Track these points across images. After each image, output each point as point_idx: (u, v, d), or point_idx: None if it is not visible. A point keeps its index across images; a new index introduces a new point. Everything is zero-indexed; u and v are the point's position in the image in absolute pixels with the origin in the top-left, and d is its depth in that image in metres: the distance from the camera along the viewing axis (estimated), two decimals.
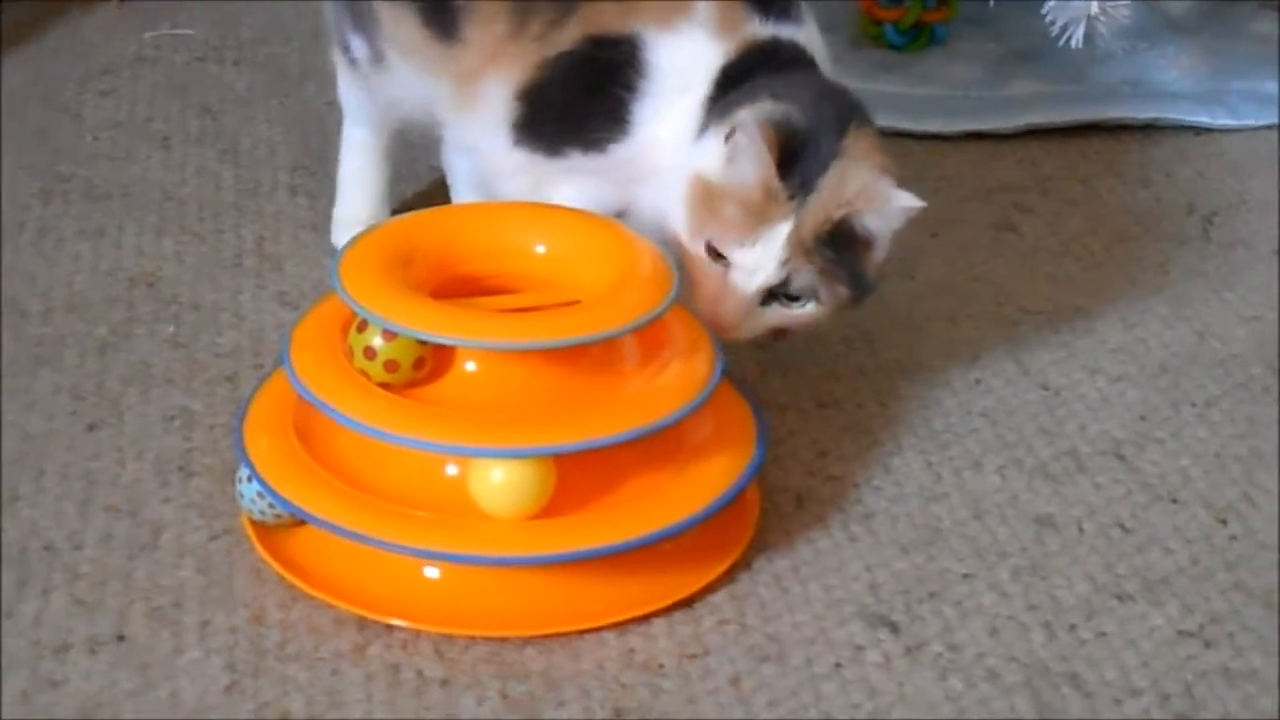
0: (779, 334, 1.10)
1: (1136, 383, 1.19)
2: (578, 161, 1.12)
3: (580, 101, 1.11)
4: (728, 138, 1.05)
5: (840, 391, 1.18)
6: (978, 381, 1.19)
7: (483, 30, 1.13)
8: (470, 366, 0.98)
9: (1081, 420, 1.15)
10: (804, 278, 1.06)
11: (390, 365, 0.96)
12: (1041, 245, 1.35)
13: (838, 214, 1.04)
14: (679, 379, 0.99)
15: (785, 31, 1.11)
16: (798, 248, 1.05)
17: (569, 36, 1.10)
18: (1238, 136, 1.50)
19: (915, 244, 1.34)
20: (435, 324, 0.96)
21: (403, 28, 1.17)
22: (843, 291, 1.07)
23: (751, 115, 1.04)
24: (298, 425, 1.00)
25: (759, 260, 1.05)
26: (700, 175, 1.06)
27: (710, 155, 1.06)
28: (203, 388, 1.15)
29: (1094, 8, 1.38)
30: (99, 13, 1.66)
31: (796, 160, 1.04)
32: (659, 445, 0.98)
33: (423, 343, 0.96)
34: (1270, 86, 1.55)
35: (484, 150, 1.16)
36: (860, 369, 1.20)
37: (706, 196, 1.06)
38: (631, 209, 1.14)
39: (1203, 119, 1.52)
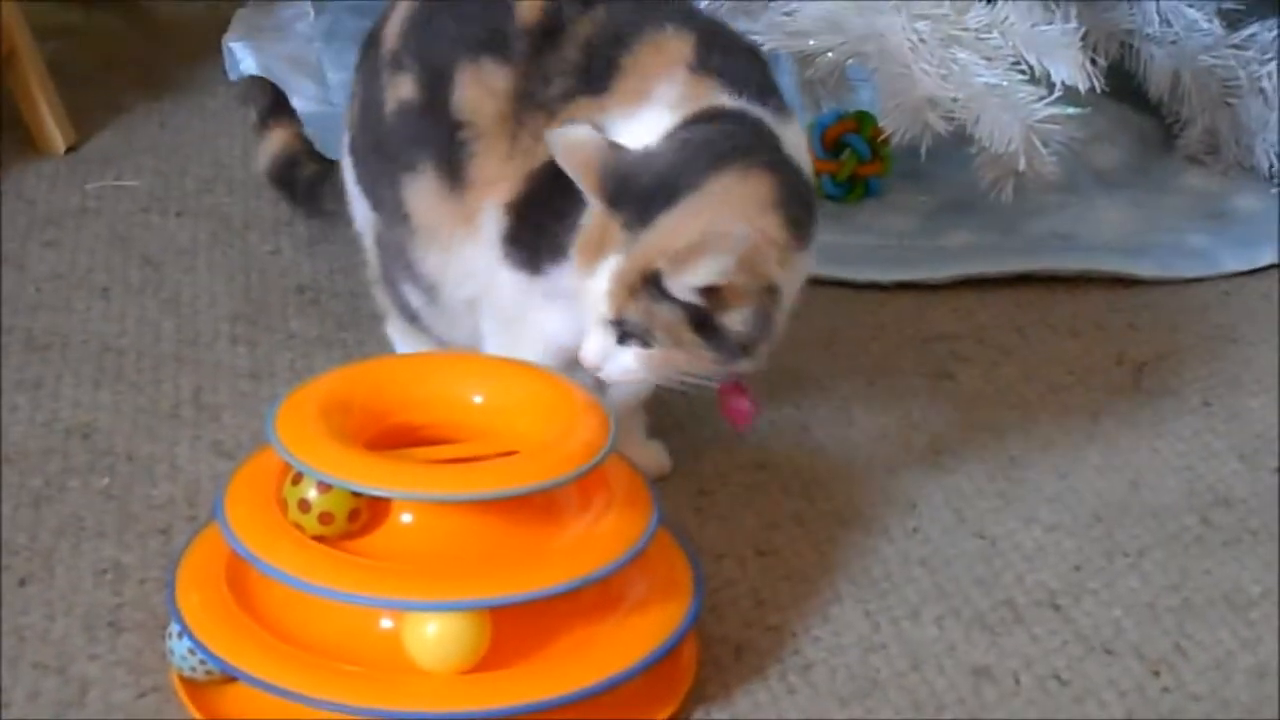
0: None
1: (1071, 532, 1.20)
2: (557, 280, 1.12)
3: (556, 210, 1.11)
4: None
5: (778, 540, 1.18)
6: (915, 530, 1.19)
7: (484, 161, 1.13)
8: (406, 518, 0.98)
9: (1018, 570, 1.15)
10: (633, 318, 1.03)
11: (325, 518, 0.96)
12: (978, 394, 1.37)
13: (654, 265, 1.02)
14: (616, 528, 0.99)
15: (754, 110, 1.09)
16: (623, 285, 1.03)
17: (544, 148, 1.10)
18: (1166, 288, 1.53)
19: (853, 391, 1.36)
20: (369, 475, 0.95)
21: (423, 198, 1.16)
22: (690, 339, 1.03)
23: (560, 133, 1.04)
24: (231, 579, 0.99)
25: (593, 291, 1.04)
26: None
27: None
28: (135, 540, 1.13)
29: (1021, 163, 1.42)
30: (44, 164, 1.67)
31: (629, 192, 1.03)
32: (596, 596, 0.98)
33: (358, 494, 0.96)
34: (1197, 240, 1.59)
35: (479, 274, 1.15)
36: (798, 517, 1.21)
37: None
38: None
39: (1132, 270, 1.55)
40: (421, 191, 1.17)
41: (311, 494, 0.96)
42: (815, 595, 1.12)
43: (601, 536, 0.99)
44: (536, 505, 0.99)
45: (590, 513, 1.00)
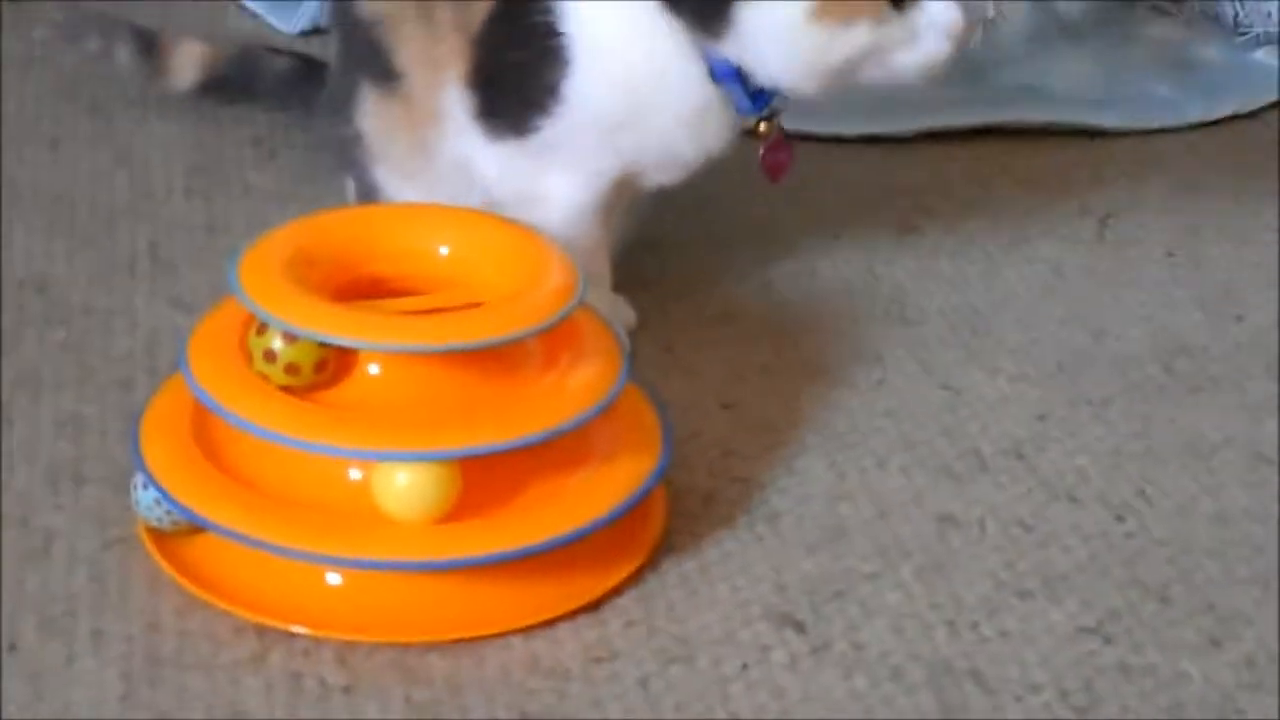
0: None
1: (1035, 382, 1.20)
2: (548, 133, 1.10)
3: (520, 61, 1.09)
4: None
5: (743, 392, 1.18)
6: (880, 382, 1.20)
7: (408, 51, 1.12)
8: (373, 369, 0.97)
9: (983, 420, 1.16)
10: None
11: (291, 368, 0.95)
12: (941, 247, 1.36)
13: None
14: (586, 381, 0.99)
15: None
16: None
17: (477, 9, 1.09)
18: (1131, 140, 1.53)
19: (817, 245, 1.35)
20: (336, 326, 0.94)
21: (371, 112, 1.15)
22: None
23: None
24: (196, 431, 0.98)
25: None
26: (797, 12, 1.04)
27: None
28: (95, 393, 1.12)
29: (990, 9, 1.40)
30: None
31: None
32: (565, 448, 0.98)
33: (324, 345, 0.95)
34: (1162, 89, 1.58)
35: (476, 161, 1.14)
36: (763, 369, 1.20)
37: (828, 6, 1.04)
38: (646, 163, 1.13)
39: (1097, 121, 1.54)
40: (371, 113, 1.15)
41: (277, 344, 0.95)
42: (782, 447, 1.12)
43: (571, 388, 0.98)
44: (505, 357, 0.98)
45: (559, 365, 1.00)
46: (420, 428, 0.94)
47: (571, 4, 1.09)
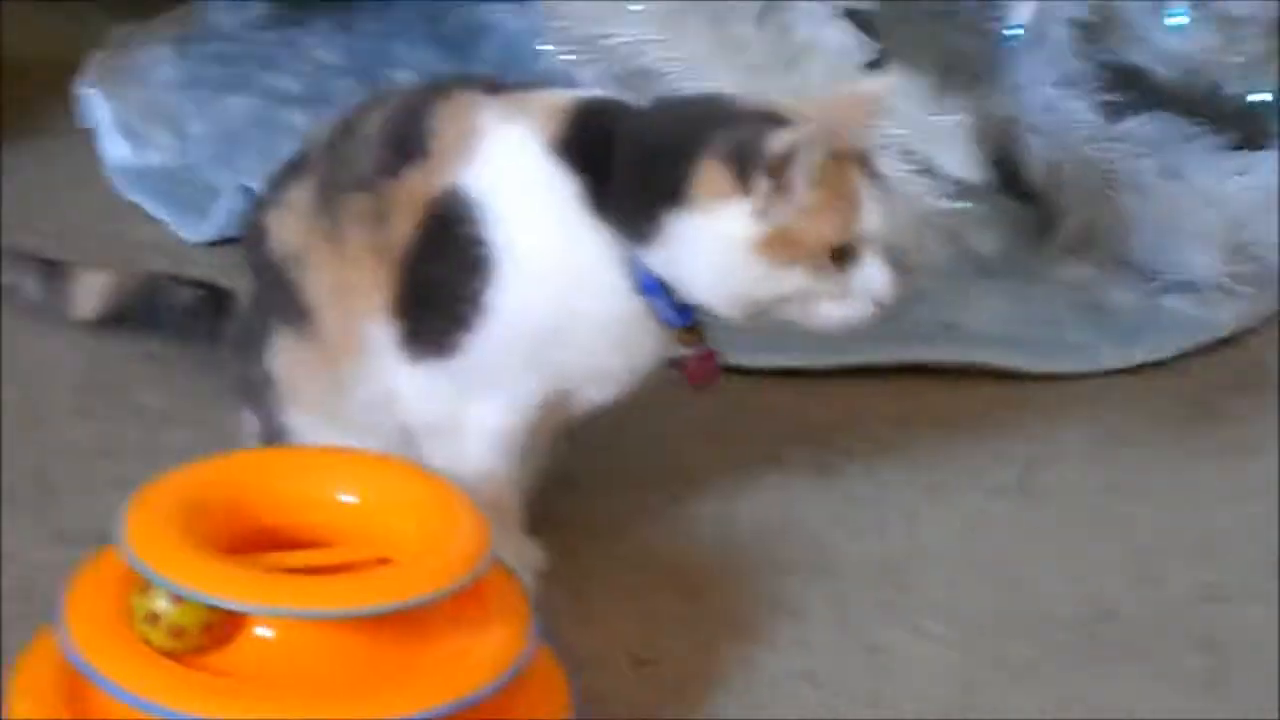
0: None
1: (958, 644, 1.15)
2: (477, 350, 1.07)
3: (444, 270, 1.07)
4: (756, 180, 1.03)
5: (658, 648, 1.12)
6: (800, 641, 1.14)
7: (320, 285, 1.10)
8: (264, 632, 0.90)
9: (907, 688, 1.11)
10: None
11: (176, 631, 0.88)
12: (860, 493, 1.33)
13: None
14: (494, 646, 0.93)
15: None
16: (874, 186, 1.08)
17: (398, 231, 1.07)
18: (1047, 383, 1.51)
19: (734, 484, 1.31)
20: (226, 586, 0.88)
21: (282, 353, 1.12)
22: None
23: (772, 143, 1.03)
24: (70, 698, 0.90)
25: (876, 211, 1.07)
26: (755, 237, 1.04)
27: (727, 221, 1.04)
28: None
29: (912, 255, 1.40)
30: None
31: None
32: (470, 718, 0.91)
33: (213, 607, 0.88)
34: (1074, 334, 1.57)
35: (400, 392, 1.10)
36: (678, 621, 1.15)
37: (782, 239, 1.04)
38: (574, 380, 1.10)
39: (1012, 364, 1.53)
40: (282, 354, 1.12)
41: (161, 604, 0.88)
42: (696, 712, 1.06)
43: (476, 654, 0.92)
44: (407, 620, 0.92)
45: (465, 627, 0.94)
46: (313, 699, 0.87)
47: (497, 212, 1.07)
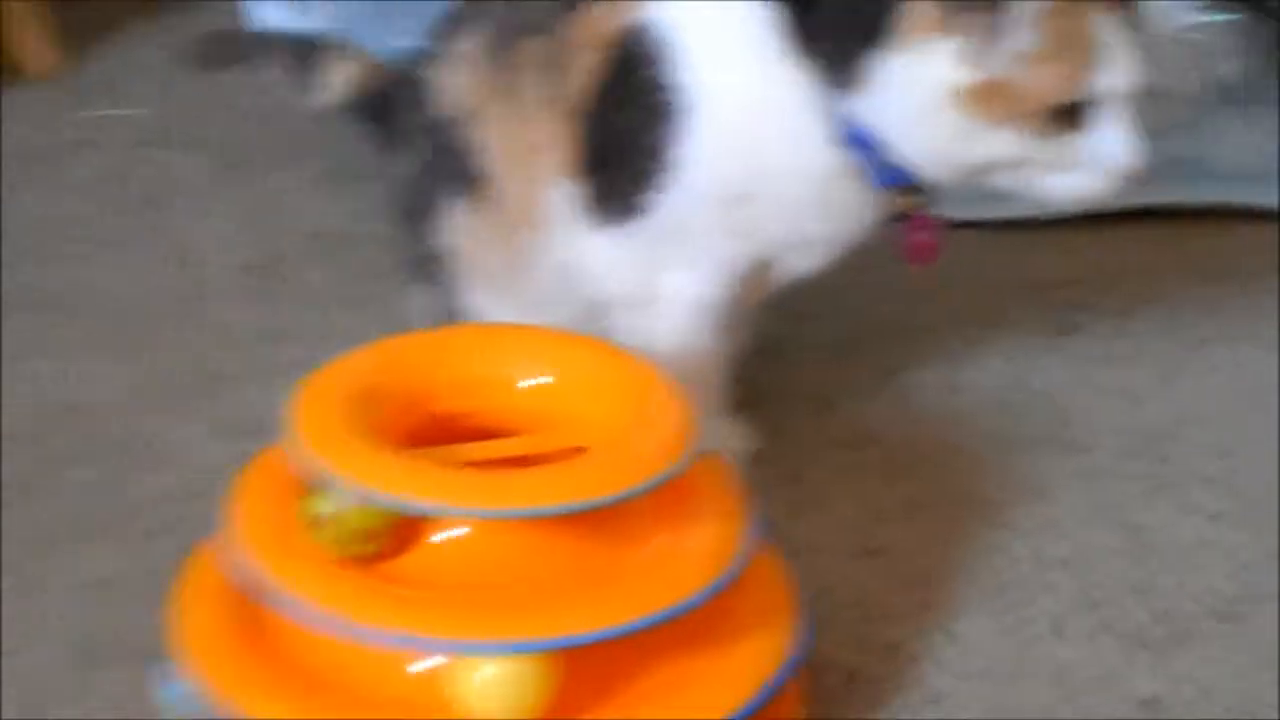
0: None
1: (1238, 522, 1.01)
2: (666, 210, 0.95)
3: (629, 119, 0.95)
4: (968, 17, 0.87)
5: (886, 535, 1.00)
6: (1050, 522, 1.01)
7: (495, 144, 0.98)
8: (451, 535, 0.79)
9: (1179, 572, 0.96)
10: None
11: (354, 535, 0.78)
12: (1106, 353, 1.18)
13: None
14: (704, 546, 0.81)
15: None
16: (1129, 29, 0.90)
17: (578, 77, 0.95)
18: None
19: (958, 350, 1.17)
20: (408, 484, 0.77)
21: (457, 226, 1.01)
22: None
23: None
24: (238, 608, 0.81)
25: (1125, 64, 0.90)
26: (966, 87, 0.89)
27: (934, 64, 0.89)
28: (123, 549, 0.96)
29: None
30: (31, 90, 1.48)
31: None
32: (681, 629, 0.80)
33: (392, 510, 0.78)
34: None
35: (588, 263, 0.99)
36: (908, 505, 1.02)
37: (994, 92, 0.89)
38: (775, 245, 0.98)
39: (1271, 202, 1.35)
40: (457, 228, 1.01)
41: (337, 507, 0.78)
42: (937, 606, 0.94)
43: (688, 555, 0.80)
44: (608, 518, 0.80)
45: (672, 524, 0.82)
46: (507, 611, 0.76)
47: (685, 48, 0.94)
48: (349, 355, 0.87)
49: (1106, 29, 0.89)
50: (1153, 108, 1.36)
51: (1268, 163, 1.40)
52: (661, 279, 0.99)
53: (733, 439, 1.04)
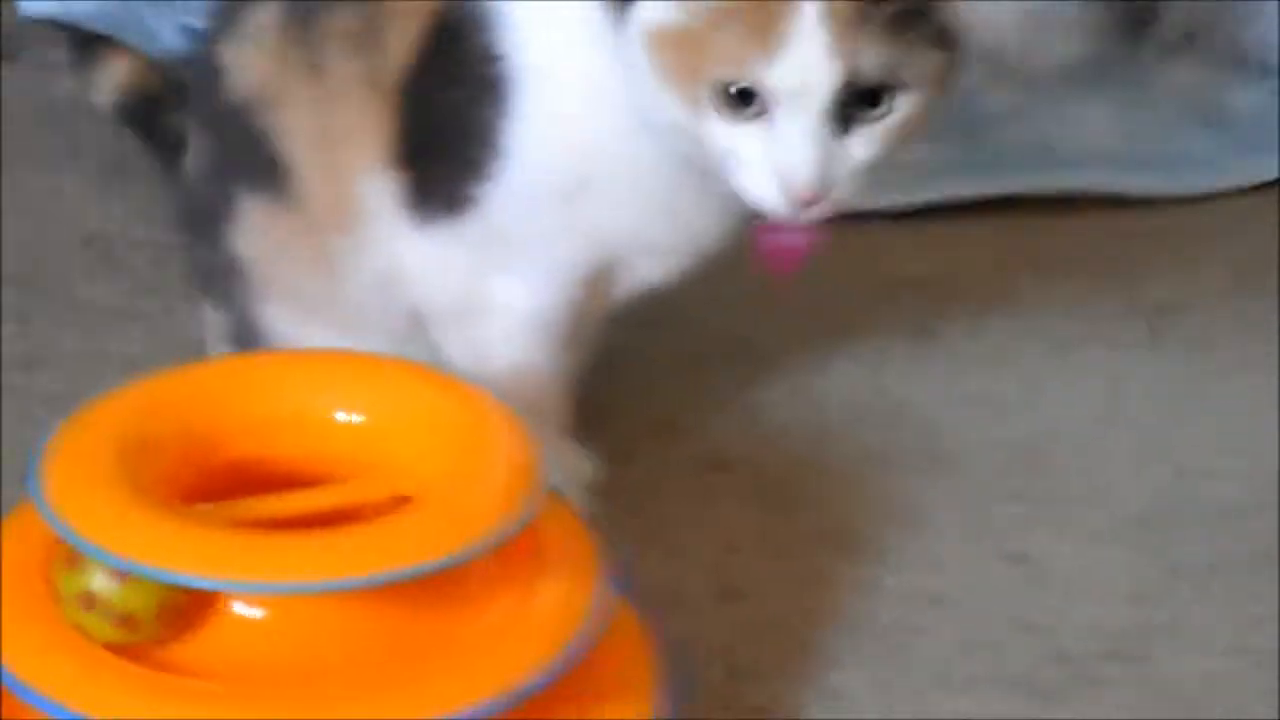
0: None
1: (1116, 542, 0.93)
2: (496, 204, 0.84)
3: (454, 97, 0.83)
4: None
5: (746, 574, 0.89)
6: (923, 553, 0.92)
7: (298, 130, 0.87)
8: (245, 612, 0.66)
9: (1063, 606, 0.88)
10: (876, 55, 0.74)
11: (121, 618, 0.64)
12: (966, 358, 1.09)
13: None
14: (553, 607, 0.70)
15: None
16: (849, 19, 0.73)
17: (394, 51, 0.84)
18: (1166, 208, 1.27)
19: (812, 360, 1.08)
20: (190, 554, 0.64)
21: (253, 230, 0.89)
22: (934, 58, 0.76)
23: None
24: None
25: (805, 61, 0.73)
26: (658, 29, 0.76)
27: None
28: None
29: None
30: None
31: None
32: (530, 706, 0.68)
33: (173, 585, 0.64)
34: (1197, 145, 1.33)
35: (409, 269, 0.87)
36: (766, 538, 0.92)
37: (680, 43, 0.75)
38: (623, 260, 0.87)
39: (1122, 188, 1.29)
40: (252, 231, 0.89)
41: (100, 583, 0.64)
42: (806, 656, 0.84)
43: (534, 620, 0.69)
44: (437, 584, 0.68)
45: (513, 583, 0.70)
46: (321, 699, 0.64)
47: (516, 17, 0.82)
48: (121, 388, 0.73)
49: (803, 19, 0.74)
50: (997, 87, 1.31)
51: (1120, 145, 1.35)
52: (493, 286, 0.87)
53: (573, 470, 0.92)
